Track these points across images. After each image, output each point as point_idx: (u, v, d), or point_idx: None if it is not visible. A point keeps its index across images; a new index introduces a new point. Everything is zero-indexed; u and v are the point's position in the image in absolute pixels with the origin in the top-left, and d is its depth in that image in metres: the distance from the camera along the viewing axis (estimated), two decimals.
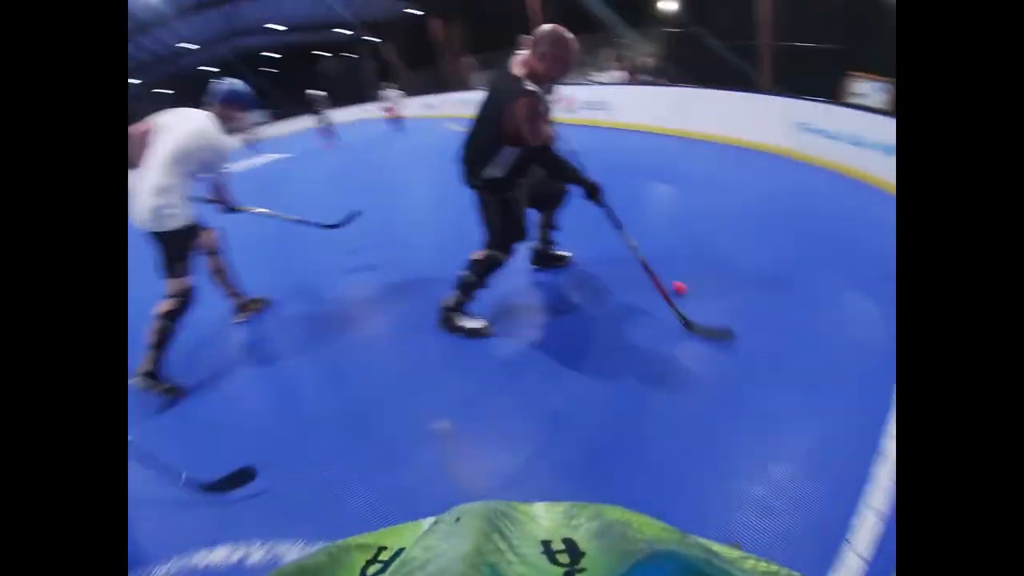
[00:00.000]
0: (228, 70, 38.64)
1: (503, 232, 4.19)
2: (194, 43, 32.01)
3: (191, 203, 4.27)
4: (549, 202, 4.92)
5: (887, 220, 5.48)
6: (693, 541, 0.71)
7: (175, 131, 4.16)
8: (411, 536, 0.85)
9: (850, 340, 3.81)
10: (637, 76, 15.71)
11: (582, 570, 0.65)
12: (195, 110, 4.35)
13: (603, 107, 14.09)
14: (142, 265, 4.04)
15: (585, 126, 14.17)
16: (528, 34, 3.73)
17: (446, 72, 29.39)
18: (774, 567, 0.73)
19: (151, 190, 4.01)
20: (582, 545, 0.71)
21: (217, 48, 34.83)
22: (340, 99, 30.03)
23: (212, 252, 4.92)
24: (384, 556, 0.81)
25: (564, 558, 0.69)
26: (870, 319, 4.01)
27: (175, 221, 4.10)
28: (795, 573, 0.71)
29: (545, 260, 5.40)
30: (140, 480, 2.91)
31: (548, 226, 5.24)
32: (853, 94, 9.47)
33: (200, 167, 4.24)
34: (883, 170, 7.23)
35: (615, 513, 0.82)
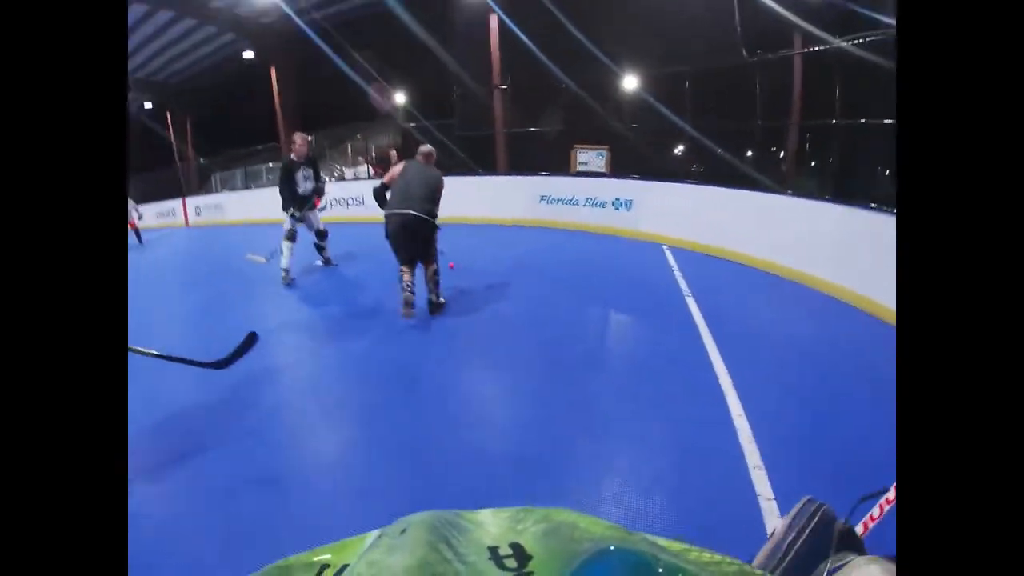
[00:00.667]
0: None
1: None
2: None
3: None
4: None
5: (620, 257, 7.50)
6: (639, 537, 0.73)
7: None
8: (355, 551, 0.83)
9: None
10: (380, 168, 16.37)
11: (530, 573, 0.66)
12: None
13: (358, 203, 14.63)
14: None
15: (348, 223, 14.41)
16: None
17: (184, 175, 27.60)
18: (717, 556, 0.73)
19: None
20: (529, 548, 0.72)
21: None
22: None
23: None
24: (328, 574, 0.78)
25: (512, 563, 0.69)
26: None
27: None
28: (737, 560, 0.71)
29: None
30: None
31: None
32: (581, 164, 11.91)
33: None
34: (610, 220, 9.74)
35: (562, 515, 0.82)
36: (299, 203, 8.14)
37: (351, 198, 14.57)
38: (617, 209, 9.71)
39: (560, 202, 10.56)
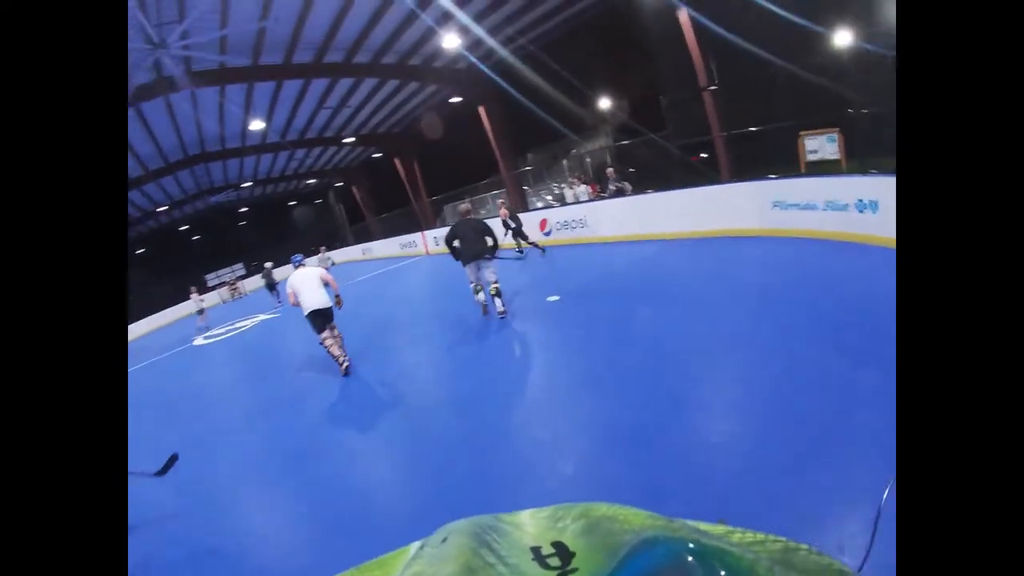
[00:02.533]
0: (204, 226, 39.68)
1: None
2: (167, 204, 32.68)
3: None
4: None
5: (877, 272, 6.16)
6: (679, 524, 0.73)
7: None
8: (398, 565, 0.84)
9: None
10: (601, 189, 16.26)
11: (574, 570, 0.68)
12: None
13: (581, 224, 14.45)
14: None
15: (565, 245, 14.76)
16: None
17: (420, 210, 30.42)
18: (760, 535, 0.75)
19: None
20: (571, 545, 0.74)
21: (191, 206, 35.64)
22: (315, 242, 30.82)
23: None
24: None
25: (555, 561, 0.71)
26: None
27: None
28: (781, 538, 0.73)
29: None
30: None
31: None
32: (810, 152, 10.68)
33: None
34: (859, 226, 7.85)
35: (600, 509, 0.84)
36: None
37: (574, 220, 14.79)
38: (861, 212, 8.00)
39: (795, 207, 9.19)
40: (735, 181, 11.71)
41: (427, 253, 22.54)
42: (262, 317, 19.52)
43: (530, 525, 0.87)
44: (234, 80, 16.81)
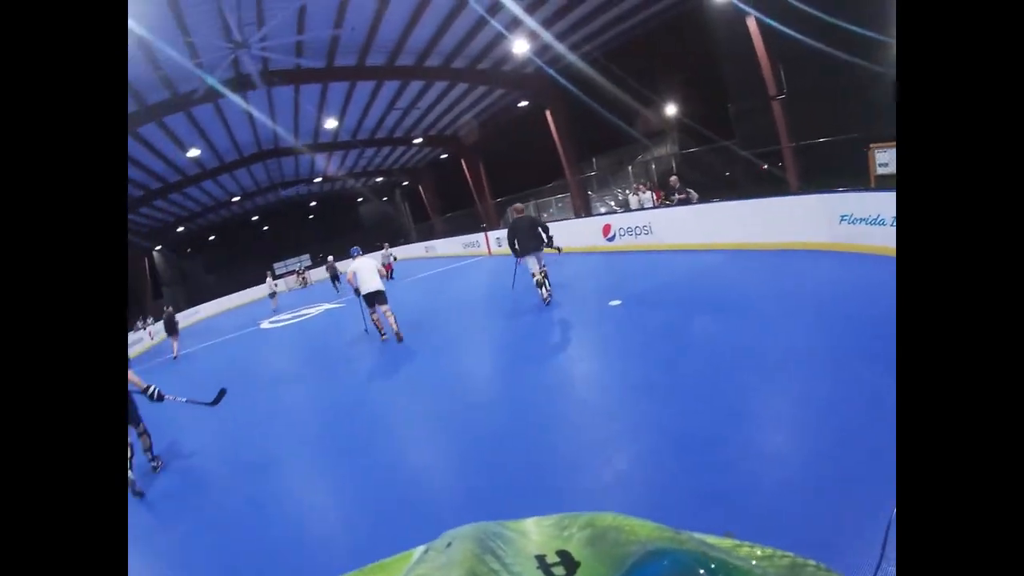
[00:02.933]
0: (274, 218, 41.03)
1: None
2: (240, 195, 33.96)
3: None
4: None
5: None
6: (686, 536, 0.72)
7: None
8: (401, 568, 0.83)
9: None
10: (666, 196, 16.13)
11: None
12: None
13: (645, 231, 14.41)
14: None
15: (629, 251, 14.74)
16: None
17: (483, 212, 30.75)
18: (768, 550, 0.73)
19: None
20: (576, 555, 0.73)
21: (263, 198, 36.98)
22: (381, 238, 31.50)
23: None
24: None
25: (560, 570, 0.70)
26: None
27: None
28: (788, 553, 0.71)
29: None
30: None
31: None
32: (880, 165, 10.45)
33: None
34: None
35: (606, 519, 0.82)
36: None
37: (638, 227, 14.70)
38: None
39: (863, 222, 8.92)
40: (803, 193, 11.46)
41: (489, 254, 22.74)
42: (327, 306, 20.21)
43: (535, 533, 0.86)
44: (309, 80, 17.39)
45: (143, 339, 23.70)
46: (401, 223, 45.17)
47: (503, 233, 19.97)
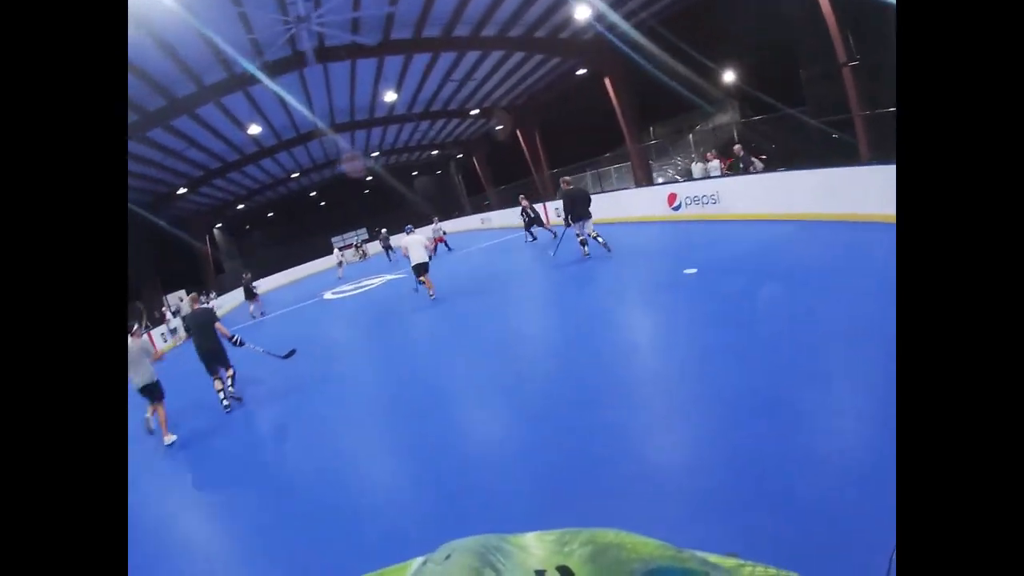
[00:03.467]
0: (329, 194, 41.69)
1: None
2: (298, 172, 34.43)
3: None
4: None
5: None
6: (688, 555, 0.72)
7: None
8: None
9: None
10: (731, 165, 15.64)
11: None
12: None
13: (712, 200, 13.99)
14: None
15: (695, 221, 14.33)
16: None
17: (540, 182, 30.48)
18: (772, 570, 0.72)
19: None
20: (577, 571, 0.71)
21: (319, 174, 37.42)
22: (434, 211, 31.74)
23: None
24: None
25: None
26: None
27: None
28: (793, 574, 0.70)
29: None
30: None
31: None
32: None
33: None
34: None
35: (608, 536, 0.80)
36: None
37: (705, 196, 14.24)
38: None
39: None
40: (874, 163, 10.90)
41: (548, 225, 22.59)
42: (388, 277, 20.45)
43: (536, 548, 0.84)
44: (365, 55, 17.32)
45: (222, 305, 25.38)
46: (455, 196, 45.29)
47: (559, 203, 19.95)
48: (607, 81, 21.58)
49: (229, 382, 8.67)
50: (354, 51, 16.63)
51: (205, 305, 10.42)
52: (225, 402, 8.29)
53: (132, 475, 6.07)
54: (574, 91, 26.32)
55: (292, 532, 4.34)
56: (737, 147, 14.26)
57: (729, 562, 0.76)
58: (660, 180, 23.10)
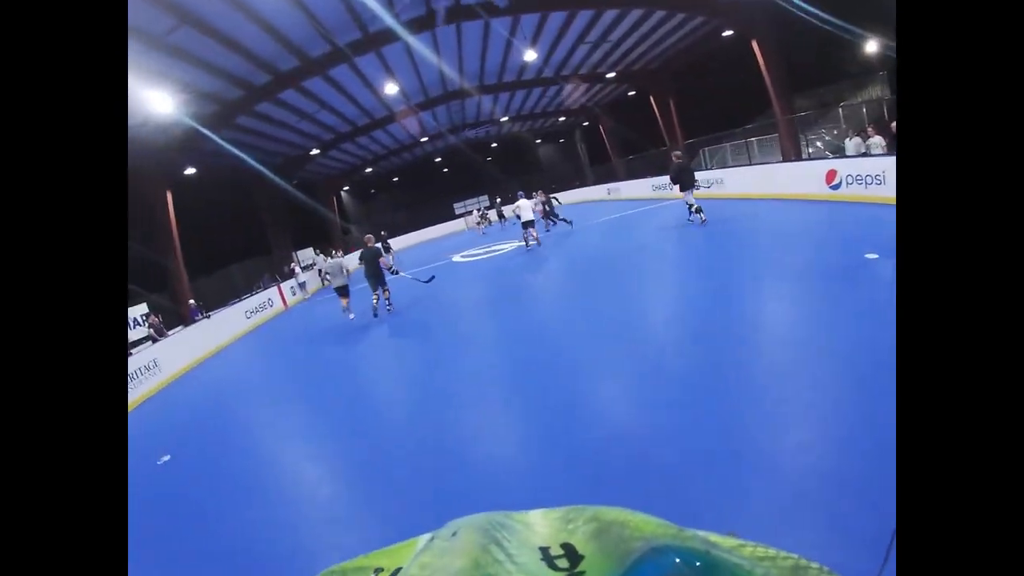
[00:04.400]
0: (453, 159, 42.20)
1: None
2: (425, 136, 34.52)
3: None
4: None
5: None
6: (690, 534, 0.71)
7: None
8: (407, 555, 0.84)
9: None
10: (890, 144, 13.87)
11: (581, 573, 0.67)
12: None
13: (878, 180, 12.36)
14: None
15: (857, 202, 12.81)
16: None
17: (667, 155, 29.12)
18: (772, 551, 0.72)
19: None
20: (580, 548, 0.73)
21: (445, 140, 37.49)
22: (555, 180, 31.23)
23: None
24: None
25: (563, 563, 0.70)
26: None
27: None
28: (792, 555, 0.70)
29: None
30: None
31: None
32: None
33: None
34: None
35: (612, 514, 0.81)
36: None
37: (870, 175, 12.56)
38: None
39: None
40: None
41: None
42: (518, 243, 20.04)
43: (541, 525, 0.84)
44: (500, 14, 16.52)
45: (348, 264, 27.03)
46: (578, 165, 44.50)
47: (704, 175, 19.02)
48: (754, 44, 19.81)
49: (385, 297, 13.33)
50: (489, 10, 15.86)
51: (375, 245, 13.50)
52: (383, 308, 13.32)
53: (357, 330, 12.37)
54: (712, 56, 24.56)
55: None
56: (894, 124, 12.63)
57: (729, 541, 0.75)
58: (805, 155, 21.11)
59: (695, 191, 14.33)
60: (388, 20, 14.77)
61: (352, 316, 13.73)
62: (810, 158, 17.71)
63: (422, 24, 15.78)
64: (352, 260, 18.65)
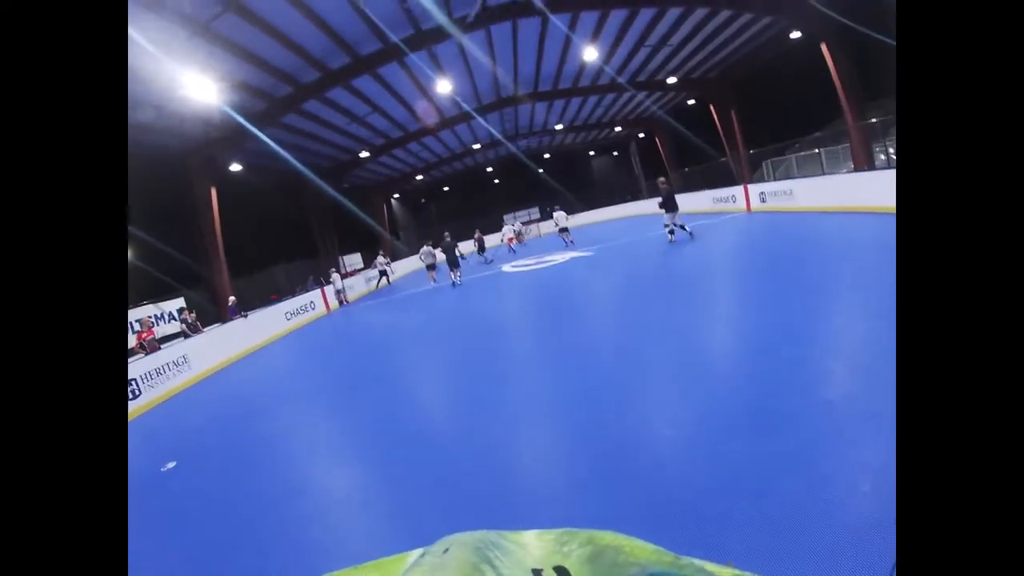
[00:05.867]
0: (504, 170, 41.80)
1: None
2: (479, 144, 34.20)
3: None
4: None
5: None
6: (686, 563, 0.71)
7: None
8: (396, 569, 0.81)
9: None
10: None
11: None
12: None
13: None
14: None
15: None
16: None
17: (734, 164, 27.87)
18: None
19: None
20: (574, 572, 0.72)
21: (498, 149, 37.14)
22: (609, 193, 30.44)
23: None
24: None
25: None
26: None
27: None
28: None
29: None
30: None
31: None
32: None
33: None
34: None
35: (607, 538, 0.81)
36: None
37: None
38: None
39: None
40: None
41: (748, 210, 19.89)
42: (573, 255, 19.63)
43: (534, 546, 0.84)
44: (561, 10, 15.82)
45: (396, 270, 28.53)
46: (632, 178, 43.67)
47: (771, 187, 18.28)
48: (824, 47, 18.61)
49: (459, 275, 18.97)
50: (552, 5, 15.18)
51: (451, 240, 19.55)
52: (455, 282, 18.88)
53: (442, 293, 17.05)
54: (778, 60, 23.45)
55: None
56: None
57: (726, 572, 0.75)
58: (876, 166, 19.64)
59: (677, 213, 16.06)
60: (440, 18, 14.23)
61: (435, 283, 20.82)
62: (887, 167, 16.37)
63: (473, 23, 15.15)
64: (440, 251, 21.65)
